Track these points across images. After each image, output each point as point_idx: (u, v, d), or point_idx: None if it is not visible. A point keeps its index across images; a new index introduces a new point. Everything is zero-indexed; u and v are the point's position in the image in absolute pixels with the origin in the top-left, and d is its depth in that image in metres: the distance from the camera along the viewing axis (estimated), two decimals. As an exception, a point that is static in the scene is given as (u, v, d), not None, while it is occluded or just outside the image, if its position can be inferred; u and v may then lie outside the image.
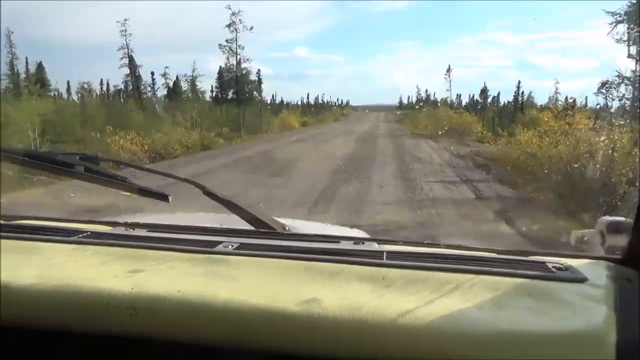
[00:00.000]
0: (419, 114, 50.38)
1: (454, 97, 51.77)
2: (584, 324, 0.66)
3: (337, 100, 70.59)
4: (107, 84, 29.59)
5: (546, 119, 13.57)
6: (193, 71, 30.09)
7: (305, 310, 0.69)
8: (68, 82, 28.13)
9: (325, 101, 67.76)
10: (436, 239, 1.63)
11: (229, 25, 25.83)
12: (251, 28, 27.80)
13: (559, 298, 0.73)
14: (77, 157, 1.16)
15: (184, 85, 29.91)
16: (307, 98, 65.33)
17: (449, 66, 40.27)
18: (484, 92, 38.34)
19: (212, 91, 30.77)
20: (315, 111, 60.95)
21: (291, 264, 0.86)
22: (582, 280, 0.79)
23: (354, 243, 1.01)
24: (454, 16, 64.78)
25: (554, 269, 0.84)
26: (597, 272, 0.83)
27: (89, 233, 1.05)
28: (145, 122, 21.13)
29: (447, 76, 39.44)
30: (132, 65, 27.53)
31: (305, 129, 37.33)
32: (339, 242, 1.03)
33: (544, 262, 0.88)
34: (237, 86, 27.87)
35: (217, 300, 0.72)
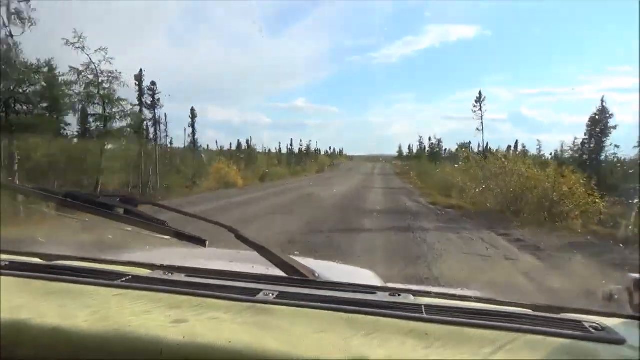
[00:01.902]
0: (430, 166, 39.06)
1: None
2: None
3: (330, 148, 65.50)
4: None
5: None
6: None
7: None
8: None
9: (315, 149, 59.96)
10: (467, 287, 1.41)
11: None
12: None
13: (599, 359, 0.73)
14: (117, 199, 1.17)
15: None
16: (291, 145, 56.69)
17: (480, 94, 28.71)
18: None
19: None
20: (297, 160, 51.39)
21: (332, 315, 0.85)
22: (620, 342, 0.78)
23: (390, 295, 1.02)
24: (448, 71, 68.16)
25: (591, 329, 0.83)
26: (632, 332, 0.82)
27: (130, 277, 1.05)
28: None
29: (476, 108, 28.14)
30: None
31: (253, 186, 24.54)
32: (375, 293, 1.03)
33: (580, 322, 0.87)
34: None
35: (267, 352, 0.72)
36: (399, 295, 1.01)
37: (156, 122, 22.35)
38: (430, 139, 51.90)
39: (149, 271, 1.13)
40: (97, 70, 15.64)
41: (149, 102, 21.56)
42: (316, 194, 18.52)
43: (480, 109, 28.48)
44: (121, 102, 16.48)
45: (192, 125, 29.54)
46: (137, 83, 21.74)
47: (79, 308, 0.84)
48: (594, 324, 0.85)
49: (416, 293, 1.03)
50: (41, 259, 1.19)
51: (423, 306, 0.91)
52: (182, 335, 0.75)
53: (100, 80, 15.83)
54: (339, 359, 0.70)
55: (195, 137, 30.91)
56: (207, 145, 36.40)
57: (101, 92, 15.99)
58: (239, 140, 41.79)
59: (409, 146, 56.18)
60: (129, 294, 0.93)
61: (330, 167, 56.95)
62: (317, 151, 61.37)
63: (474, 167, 17.12)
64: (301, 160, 52.68)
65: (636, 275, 0.89)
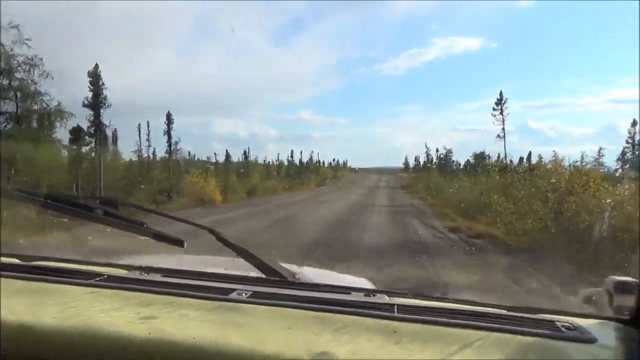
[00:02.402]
0: (439, 179, 34.99)
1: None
2: None
3: (334, 160, 63.40)
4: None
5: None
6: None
7: None
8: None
9: (316, 161, 57.36)
10: (445, 293, 1.62)
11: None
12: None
13: (569, 358, 0.73)
14: (97, 201, 1.18)
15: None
16: (291, 156, 53.06)
17: (501, 95, 24.52)
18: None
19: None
20: (298, 172, 48.17)
21: (303, 314, 0.85)
22: (591, 340, 0.78)
23: (365, 295, 1.01)
24: (454, 83, 67.25)
25: (563, 329, 0.83)
26: (605, 332, 0.82)
27: (106, 276, 1.05)
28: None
29: (496, 112, 23.89)
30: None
31: (234, 203, 20.67)
32: (349, 293, 1.03)
33: (553, 321, 0.86)
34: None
35: (230, 348, 0.72)
36: (374, 295, 1.01)
37: (100, 125, 18.25)
38: (437, 150, 49.27)
39: (125, 271, 1.13)
40: (7, 55, 11.71)
41: (90, 101, 17.50)
42: (301, 217, 14.47)
43: (502, 113, 24.33)
44: (42, 97, 12.49)
45: (168, 132, 25.63)
46: (92, 80, 17.86)
47: (49, 306, 0.85)
48: (567, 324, 0.84)
49: (392, 294, 1.02)
50: (20, 259, 1.19)
51: (396, 306, 0.90)
52: (147, 332, 0.75)
53: (12, 68, 11.88)
54: (302, 356, 0.70)
55: (177, 146, 27.06)
56: (194, 156, 33.16)
57: (13, 84, 12.07)
58: (227, 151, 38.98)
59: (416, 158, 54.35)
60: (101, 293, 0.93)
61: (333, 179, 53.47)
62: (319, 163, 57.53)
63: (512, 180, 12.82)
64: (301, 172, 49.01)
65: (615, 277, 0.89)
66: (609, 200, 8.67)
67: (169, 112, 26.10)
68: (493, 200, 12.23)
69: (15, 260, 1.18)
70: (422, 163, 52.26)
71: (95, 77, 17.68)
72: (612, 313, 0.88)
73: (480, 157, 27.76)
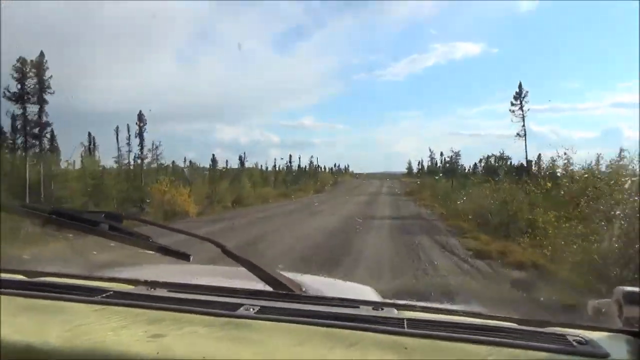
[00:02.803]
0: (446, 184, 31.88)
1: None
2: None
3: (335, 165, 62.23)
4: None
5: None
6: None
7: None
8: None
9: (316, 165, 54.70)
10: (454, 304, 1.54)
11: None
12: None
13: None
14: (102, 215, 1.17)
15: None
16: (289, 162, 51.10)
17: (520, 88, 21.38)
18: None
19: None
20: (295, 178, 45.48)
21: (312, 330, 0.84)
22: (604, 355, 0.76)
23: (373, 309, 1.00)
24: (455, 88, 67.89)
25: (575, 343, 0.81)
26: (617, 346, 0.81)
27: (111, 292, 1.04)
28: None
29: (515, 107, 20.57)
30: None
31: (208, 216, 17.60)
32: (358, 307, 1.02)
33: (564, 335, 0.85)
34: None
35: None
36: (382, 309, 1.00)
37: (25, 122, 15.07)
38: (441, 153, 46.53)
39: (132, 287, 1.12)
40: None
41: (10, 93, 14.34)
42: (281, 236, 11.29)
43: (521, 108, 21.14)
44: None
45: (140, 134, 22.55)
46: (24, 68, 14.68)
47: (54, 324, 0.83)
48: (578, 338, 0.83)
49: (400, 307, 1.02)
50: (26, 275, 1.18)
51: (405, 320, 0.90)
52: (156, 351, 0.74)
53: None
54: None
55: (157, 151, 24.01)
56: (172, 162, 30.20)
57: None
58: (213, 155, 36.21)
59: (419, 162, 52.65)
60: (107, 310, 0.92)
61: (333, 185, 50.45)
62: (318, 167, 54.55)
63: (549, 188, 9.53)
64: (299, 178, 46.08)
65: (625, 288, 0.88)
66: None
67: (140, 112, 23.20)
68: (538, 216, 8.90)
69: (20, 277, 1.17)
70: (426, 167, 49.94)
71: (27, 67, 14.59)
72: (622, 325, 0.86)
73: (500, 159, 24.42)
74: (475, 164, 37.20)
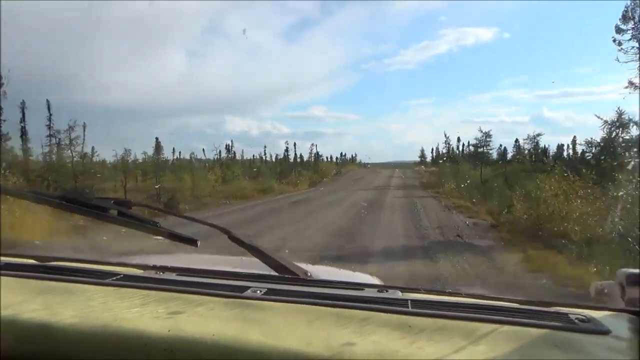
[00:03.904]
0: (473, 173, 24.71)
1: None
2: None
3: (342, 154, 57.91)
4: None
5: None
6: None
7: (338, 355, 0.69)
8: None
9: (315, 154, 47.59)
10: (456, 289, 1.41)
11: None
12: None
13: (584, 350, 0.72)
14: (111, 202, 1.17)
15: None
16: (286, 152, 45.12)
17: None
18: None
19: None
20: (290, 169, 38.47)
21: (319, 310, 0.85)
22: (605, 332, 0.78)
23: (378, 291, 1.00)
24: (466, 75, 65.90)
25: (577, 321, 0.82)
26: (619, 324, 0.82)
27: (122, 276, 1.05)
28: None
29: (624, 34, 12.79)
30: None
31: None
32: (363, 289, 1.02)
33: (566, 314, 0.86)
34: None
35: (250, 344, 0.72)
36: (387, 291, 1.00)
37: None
38: (458, 139, 41.24)
39: (141, 271, 1.13)
40: None
41: None
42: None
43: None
44: None
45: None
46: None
47: (67, 305, 0.85)
48: (580, 316, 0.84)
49: (405, 290, 1.02)
50: (37, 260, 1.20)
51: (409, 301, 0.90)
52: (167, 329, 0.75)
53: None
54: (323, 351, 0.70)
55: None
56: (144, 154, 24.56)
57: None
58: (173, 148, 31.69)
59: (433, 149, 48.05)
60: (118, 292, 0.93)
61: (335, 176, 43.45)
62: (318, 157, 47.22)
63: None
64: (294, 169, 39.11)
65: (627, 270, 0.89)
66: None
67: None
68: None
69: (32, 261, 1.18)
70: (442, 154, 43.03)
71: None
72: (624, 305, 0.88)
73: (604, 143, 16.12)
74: (505, 148, 29.61)
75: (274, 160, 42.59)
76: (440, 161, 40.35)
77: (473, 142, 27.77)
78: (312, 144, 48.59)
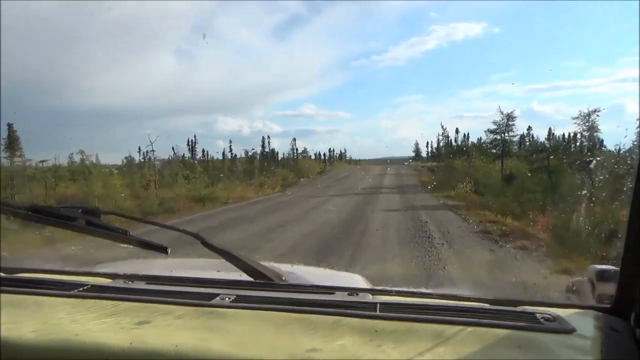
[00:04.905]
0: (490, 168, 18.07)
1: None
2: None
3: (330, 151, 53.84)
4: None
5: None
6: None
7: None
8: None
9: (295, 152, 41.22)
10: (429, 287, 1.28)
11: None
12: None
13: (547, 349, 0.72)
14: (79, 211, 1.14)
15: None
16: (262, 147, 39.91)
17: None
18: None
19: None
20: (247, 170, 32.12)
21: (287, 317, 0.84)
22: (569, 331, 0.78)
23: (349, 294, 1.01)
24: (456, 70, 67.49)
25: (542, 320, 0.83)
26: (585, 322, 0.82)
27: (89, 286, 1.03)
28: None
29: None
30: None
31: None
32: (334, 293, 1.02)
33: (533, 313, 0.86)
34: None
35: (211, 355, 0.72)
36: (357, 294, 1.00)
37: None
38: (457, 130, 37.51)
39: (109, 280, 1.12)
40: None
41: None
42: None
43: None
44: None
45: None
46: None
47: (31, 319, 0.83)
48: (546, 315, 0.84)
49: (376, 292, 1.02)
50: (3, 272, 1.16)
51: (378, 304, 0.90)
52: (129, 342, 0.74)
53: None
54: (287, 359, 0.70)
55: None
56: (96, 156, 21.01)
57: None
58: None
59: (428, 143, 44.64)
60: (83, 304, 0.91)
61: (319, 175, 37.06)
62: (296, 154, 40.03)
63: None
64: (265, 168, 32.57)
65: (597, 267, 0.88)
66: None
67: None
68: None
69: None
70: (441, 147, 36.84)
71: None
72: (595, 302, 0.87)
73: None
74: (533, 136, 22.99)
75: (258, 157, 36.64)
76: (438, 156, 33.98)
77: (491, 127, 20.77)
78: (293, 139, 41.04)
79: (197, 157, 35.15)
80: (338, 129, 72.25)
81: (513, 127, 20.65)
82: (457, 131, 38.33)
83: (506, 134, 20.56)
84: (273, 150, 42.00)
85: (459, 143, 36.49)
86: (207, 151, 36.68)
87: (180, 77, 50.19)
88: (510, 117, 20.40)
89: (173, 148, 28.74)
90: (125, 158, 27.51)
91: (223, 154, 36.91)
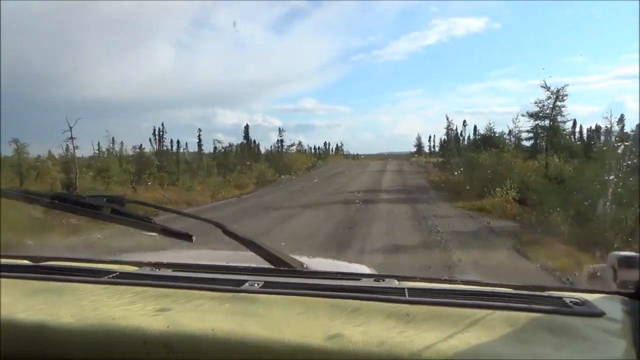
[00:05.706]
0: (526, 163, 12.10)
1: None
2: (605, 357, 0.68)
3: (325, 144, 52.13)
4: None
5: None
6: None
7: (332, 345, 0.71)
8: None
9: (280, 145, 34.85)
10: (453, 276, 1.38)
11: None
12: None
13: (578, 333, 0.73)
14: (104, 199, 1.15)
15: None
16: (244, 137, 35.04)
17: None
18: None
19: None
20: (233, 164, 27.55)
21: (315, 302, 0.85)
22: (599, 314, 0.78)
23: (375, 280, 1.00)
24: (456, 65, 66.58)
25: (571, 304, 0.83)
26: (613, 306, 0.82)
27: (117, 273, 1.04)
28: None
29: None
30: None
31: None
32: (359, 279, 1.02)
33: (561, 297, 0.87)
34: None
35: (249, 338, 0.73)
36: (383, 280, 1.00)
37: None
38: (464, 122, 33.97)
39: (136, 268, 1.12)
40: None
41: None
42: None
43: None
44: None
45: None
46: None
47: (63, 305, 0.84)
48: (574, 299, 0.84)
49: (401, 278, 1.01)
50: (31, 260, 1.17)
51: (406, 289, 0.90)
52: (166, 325, 0.75)
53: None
54: (319, 341, 0.71)
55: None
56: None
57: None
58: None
59: (431, 137, 44.00)
60: (115, 289, 0.92)
61: (308, 170, 32.18)
62: (280, 147, 34.32)
63: None
64: (240, 163, 27.38)
65: (619, 253, 0.90)
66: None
67: None
68: None
69: (26, 262, 1.16)
70: (449, 141, 31.66)
71: None
72: (617, 288, 0.89)
73: None
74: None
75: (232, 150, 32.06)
76: (448, 150, 28.70)
77: (531, 109, 15.10)
78: (280, 129, 35.61)
79: (166, 149, 29.90)
80: (338, 123, 73.14)
81: (562, 109, 14.98)
82: (464, 123, 33.41)
83: (554, 121, 14.84)
84: (254, 141, 36.50)
85: (468, 136, 31.81)
86: (178, 141, 31.19)
87: (180, 70, 51.12)
88: (559, 95, 14.68)
89: (119, 142, 23.41)
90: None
91: (199, 145, 31.42)
